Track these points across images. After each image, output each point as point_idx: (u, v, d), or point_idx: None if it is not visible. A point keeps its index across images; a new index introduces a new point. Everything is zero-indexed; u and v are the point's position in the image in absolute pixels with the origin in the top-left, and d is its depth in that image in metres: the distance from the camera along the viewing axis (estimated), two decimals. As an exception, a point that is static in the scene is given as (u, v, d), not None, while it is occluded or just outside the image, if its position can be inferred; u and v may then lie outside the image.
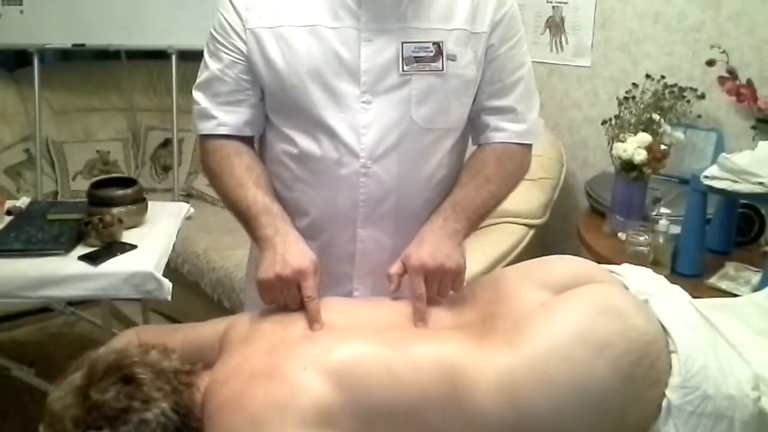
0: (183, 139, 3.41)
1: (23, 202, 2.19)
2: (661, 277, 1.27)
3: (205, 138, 1.31)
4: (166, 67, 3.23)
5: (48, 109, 3.40)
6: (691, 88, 2.35)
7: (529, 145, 1.34)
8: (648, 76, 2.41)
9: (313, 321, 1.11)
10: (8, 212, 2.11)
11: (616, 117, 2.36)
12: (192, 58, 3.31)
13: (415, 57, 1.22)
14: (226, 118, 1.28)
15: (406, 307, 1.17)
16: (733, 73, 2.29)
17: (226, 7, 1.26)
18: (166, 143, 3.49)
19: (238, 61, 1.26)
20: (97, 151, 3.45)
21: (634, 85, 2.41)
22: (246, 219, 1.25)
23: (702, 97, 2.35)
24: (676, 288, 1.23)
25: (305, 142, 1.26)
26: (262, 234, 1.21)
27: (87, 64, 3.63)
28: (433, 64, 1.22)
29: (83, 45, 3.14)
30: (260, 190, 1.24)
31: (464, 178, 1.30)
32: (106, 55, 3.46)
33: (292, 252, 1.17)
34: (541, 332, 1.03)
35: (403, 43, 1.21)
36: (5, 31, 3.10)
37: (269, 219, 1.22)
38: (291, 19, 1.22)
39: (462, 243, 1.26)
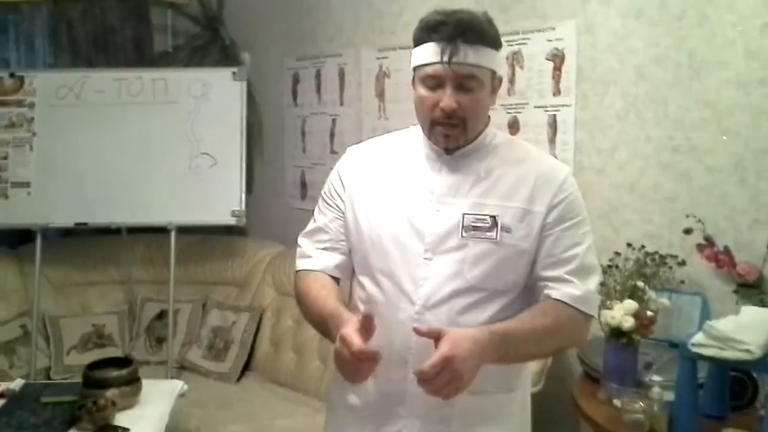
0: (178, 311, 3.47)
1: (17, 384, 2.19)
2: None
3: (299, 273, 1.58)
4: (163, 241, 3.35)
5: (47, 284, 3.48)
6: (671, 255, 2.43)
7: (588, 319, 1.46)
8: (629, 244, 2.50)
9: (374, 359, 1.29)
10: (1, 395, 2.10)
11: (602, 284, 2.41)
12: (188, 232, 3.47)
13: (473, 226, 1.44)
14: (321, 259, 1.57)
15: None
16: (710, 241, 2.39)
17: (334, 175, 1.61)
18: (161, 315, 3.54)
19: (338, 218, 1.57)
20: (93, 325, 3.49)
21: (617, 253, 2.49)
22: (322, 327, 1.46)
23: (683, 263, 2.43)
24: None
25: (373, 288, 1.50)
26: (330, 334, 1.40)
27: (87, 240, 3.76)
28: (488, 233, 1.44)
29: (86, 224, 3.27)
30: (330, 299, 1.47)
31: (524, 316, 1.42)
32: (106, 230, 3.59)
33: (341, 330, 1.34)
34: None
35: (464, 214, 1.45)
36: (12, 212, 3.26)
37: (338, 321, 1.39)
38: (380, 189, 1.53)
39: (483, 365, 1.32)
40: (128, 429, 1.88)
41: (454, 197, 1.46)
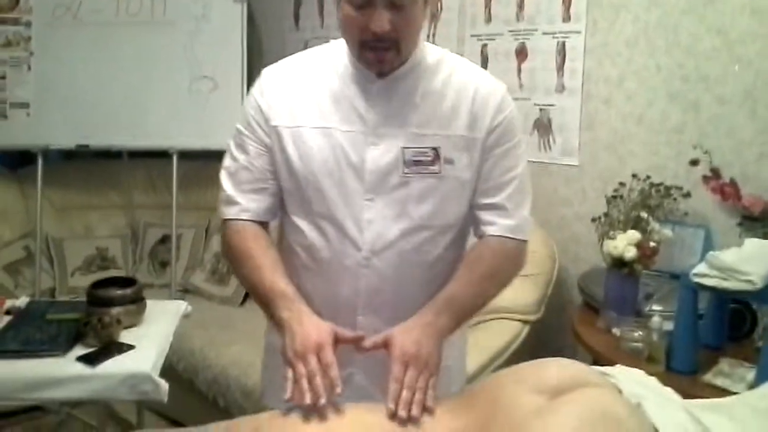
0: (181, 236, 3.47)
1: (22, 301, 2.21)
2: (654, 378, 1.28)
3: (227, 222, 1.41)
4: (165, 166, 3.33)
5: (49, 207, 3.47)
6: (676, 187, 2.42)
7: (524, 242, 1.42)
8: (634, 175, 2.48)
9: (333, 386, 1.17)
10: (7, 312, 2.12)
11: (605, 215, 2.42)
12: (191, 157, 3.44)
13: (414, 161, 1.33)
14: (249, 204, 1.39)
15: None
16: (716, 173, 2.37)
17: (253, 105, 1.40)
18: (164, 239, 3.55)
19: (262, 153, 1.39)
20: (96, 248, 3.50)
21: (622, 184, 2.48)
22: (264, 302, 1.33)
23: (688, 195, 2.42)
24: (669, 390, 1.24)
25: (313, 234, 1.37)
26: (280, 315, 1.29)
27: (89, 163, 3.74)
28: (431, 167, 1.34)
29: (87, 146, 3.24)
30: (276, 274, 1.34)
31: (461, 273, 1.37)
32: (107, 154, 3.57)
33: (308, 328, 1.24)
34: (537, 439, 1.04)
35: (403, 148, 1.33)
36: (12, 132, 3.22)
37: (285, 302, 1.29)
38: (307, 121, 1.36)
39: (444, 339, 1.31)
40: (133, 346, 1.90)
41: (391, 127, 1.34)
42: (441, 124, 1.35)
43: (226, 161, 1.43)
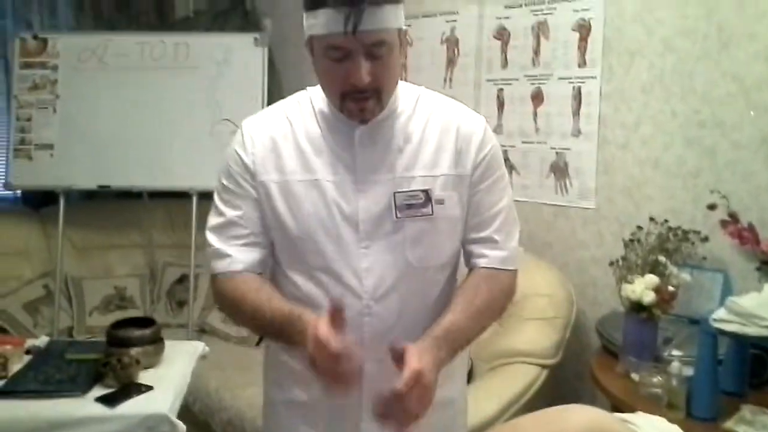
0: (199, 275, 3.50)
1: (42, 341, 2.23)
2: (675, 426, 1.28)
3: (218, 276, 1.37)
4: (184, 206, 3.38)
5: (70, 246, 3.52)
6: (694, 231, 2.41)
7: (515, 272, 1.43)
8: (652, 219, 2.49)
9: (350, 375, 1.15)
10: (27, 351, 2.15)
11: (623, 258, 2.41)
12: (209, 198, 3.46)
13: (406, 205, 1.33)
14: (240, 256, 1.35)
15: None
16: (734, 217, 2.37)
17: (236, 161, 1.36)
18: (182, 279, 3.58)
19: (251, 208, 1.35)
20: (115, 287, 3.53)
21: (639, 227, 2.48)
22: (276, 335, 1.30)
23: (706, 239, 2.41)
24: (690, 438, 1.23)
25: (309, 286, 1.35)
26: (294, 340, 1.24)
27: (109, 203, 3.81)
28: (423, 209, 1.34)
29: (109, 187, 3.30)
30: (274, 302, 1.30)
31: (459, 305, 1.34)
32: (128, 194, 3.62)
33: (310, 334, 1.18)
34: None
35: (395, 193, 1.33)
36: (36, 173, 3.29)
37: (292, 327, 1.24)
38: (294, 173, 1.34)
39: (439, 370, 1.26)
40: (151, 387, 1.92)
41: (379, 173, 1.33)
42: (427, 165, 1.36)
43: (212, 220, 1.39)
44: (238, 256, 1.35)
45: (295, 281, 1.36)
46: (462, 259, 1.46)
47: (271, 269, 1.42)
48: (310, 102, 1.39)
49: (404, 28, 1.30)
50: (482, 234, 1.40)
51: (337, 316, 1.17)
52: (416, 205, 1.33)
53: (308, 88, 1.42)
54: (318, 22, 1.22)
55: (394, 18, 1.24)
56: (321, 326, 1.15)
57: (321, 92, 1.35)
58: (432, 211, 1.34)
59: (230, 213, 1.36)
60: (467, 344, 1.38)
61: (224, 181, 1.38)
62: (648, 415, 1.29)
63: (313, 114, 1.37)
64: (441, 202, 1.35)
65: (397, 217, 1.33)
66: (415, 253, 1.35)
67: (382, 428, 1.26)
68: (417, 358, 1.18)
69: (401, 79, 1.39)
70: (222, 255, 1.36)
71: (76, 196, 3.78)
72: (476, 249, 1.41)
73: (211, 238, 1.38)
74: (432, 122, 1.38)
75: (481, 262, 1.40)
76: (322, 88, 1.33)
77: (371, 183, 1.33)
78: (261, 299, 1.31)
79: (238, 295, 1.33)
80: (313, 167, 1.34)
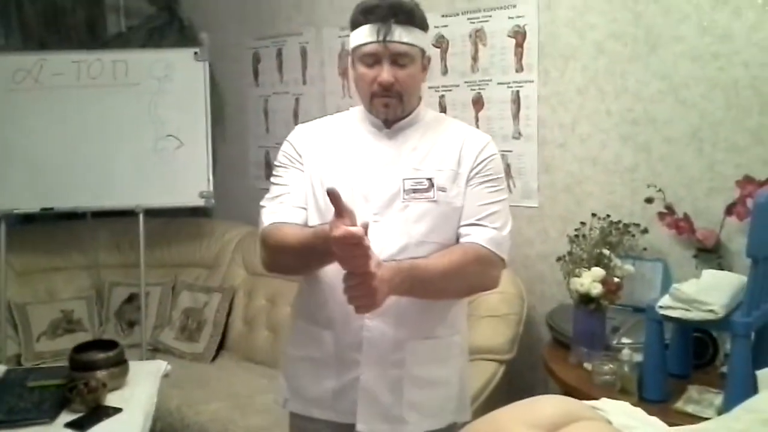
0: (148, 294, 3.46)
1: (0, 370, 2.18)
2: (639, 409, 1.36)
3: (267, 228, 1.65)
4: (130, 225, 3.34)
5: (11, 271, 3.42)
6: (634, 224, 2.54)
7: (498, 257, 1.64)
8: (594, 214, 2.60)
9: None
10: (-16, 382, 2.09)
11: (569, 253, 2.52)
12: (155, 215, 3.45)
13: (413, 189, 1.62)
14: (288, 214, 1.65)
15: None
16: (670, 209, 2.51)
17: (289, 147, 1.73)
18: (131, 299, 3.53)
19: (302, 180, 1.68)
20: (61, 311, 3.46)
21: (582, 223, 2.60)
22: (312, 250, 1.53)
23: (645, 231, 2.54)
24: (654, 419, 1.32)
25: None
26: (322, 249, 1.46)
27: (50, 225, 3.71)
28: (426, 194, 1.62)
29: (52, 209, 3.23)
30: (306, 230, 1.59)
31: (433, 256, 1.59)
32: (69, 216, 3.55)
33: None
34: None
35: (404, 179, 1.63)
36: (-27, 199, 3.18)
37: (317, 239, 1.49)
38: (328, 161, 1.67)
39: (389, 294, 1.49)
40: (120, 409, 1.91)
41: (394, 165, 1.64)
42: (435, 161, 1.65)
43: (267, 196, 1.71)
44: (285, 212, 1.65)
45: None
46: None
47: None
48: (348, 116, 1.75)
49: (428, 53, 1.67)
50: (472, 219, 1.63)
51: (344, 213, 1.37)
52: (421, 189, 1.62)
53: (350, 108, 1.78)
54: (358, 36, 1.61)
55: (418, 39, 1.61)
56: (334, 227, 1.37)
57: (359, 108, 1.72)
58: (434, 196, 1.62)
59: (281, 187, 1.69)
60: (428, 291, 1.58)
61: (277, 164, 1.73)
62: (612, 400, 1.37)
63: (351, 121, 1.73)
64: (443, 189, 1.63)
65: (404, 198, 1.61)
66: (417, 229, 1.61)
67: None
68: (376, 265, 1.42)
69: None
70: (272, 212, 1.66)
71: (13, 220, 3.67)
72: (464, 230, 1.64)
73: (264, 203, 1.70)
74: (444, 134, 1.70)
75: (466, 239, 1.63)
76: (358, 91, 1.68)
77: (386, 171, 1.63)
78: (294, 232, 1.59)
79: (279, 237, 1.61)
80: (344, 158, 1.66)
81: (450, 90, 3.12)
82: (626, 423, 1.25)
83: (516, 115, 2.93)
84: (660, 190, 2.52)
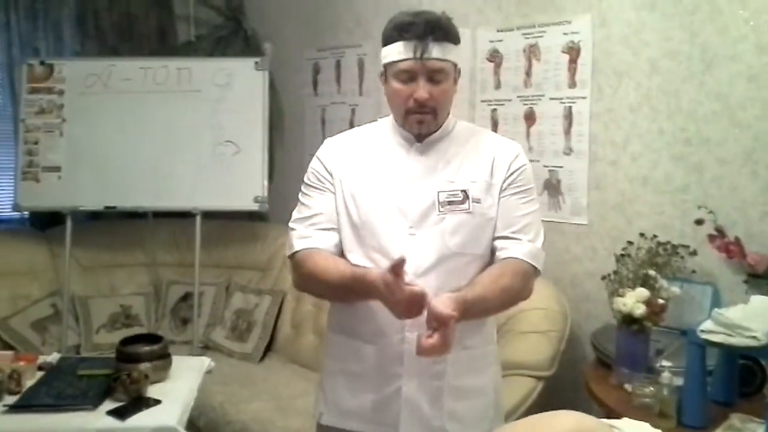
0: (203, 293, 3.57)
1: (54, 357, 2.30)
2: (659, 431, 1.34)
3: (298, 254, 1.66)
4: (188, 226, 3.46)
5: (76, 266, 3.59)
6: (683, 245, 2.49)
7: (536, 269, 1.66)
8: (642, 234, 2.57)
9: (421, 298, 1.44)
10: (40, 368, 2.22)
11: (615, 273, 2.49)
12: (213, 217, 3.57)
13: (448, 201, 1.63)
14: (319, 239, 1.66)
15: None
16: (721, 231, 2.45)
17: (318, 164, 1.72)
18: (186, 297, 3.65)
19: (330, 201, 1.68)
20: (121, 305, 3.60)
21: (630, 242, 2.56)
22: (345, 292, 1.58)
23: (694, 253, 2.49)
24: (672, 442, 1.30)
25: (365, 262, 1.62)
26: (364, 291, 1.52)
27: (114, 223, 3.87)
28: (461, 206, 1.63)
29: (114, 207, 3.38)
30: (342, 267, 1.59)
31: (484, 280, 1.59)
32: (132, 215, 3.70)
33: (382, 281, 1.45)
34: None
35: (438, 192, 1.64)
36: (43, 195, 3.37)
37: (358, 284, 1.53)
38: (363, 178, 1.67)
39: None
40: (160, 400, 1.99)
41: (429, 179, 1.65)
42: (468, 173, 1.66)
43: (295, 214, 1.72)
44: (317, 238, 1.66)
45: (353, 260, 1.64)
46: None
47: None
48: (379, 128, 1.75)
49: (458, 66, 1.66)
50: (507, 231, 1.65)
51: (398, 269, 1.41)
52: (456, 201, 1.63)
53: (378, 119, 1.77)
54: (393, 52, 1.60)
55: (452, 54, 1.61)
56: (386, 275, 1.42)
57: (388, 119, 1.72)
58: (470, 207, 1.63)
59: (312, 205, 1.69)
60: (479, 312, 1.59)
61: (307, 182, 1.72)
62: (634, 420, 1.36)
63: (381, 135, 1.72)
64: (478, 201, 1.64)
65: (439, 210, 1.62)
66: (453, 241, 1.62)
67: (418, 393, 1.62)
68: (447, 304, 1.44)
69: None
70: (304, 236, 1.67)
71: (81, 217, 3.85)
72: (502, 244, 1.65)
73: (294, 225, 1.70)
74: (475, 145, 1.71)
75: (504, 254, 1.64)
76: (390, 106, 1.68)
77: (421, 185, 1.64)
78: (329, 264, 1.61)
79: (311, 266, 1.63)
80: (377, 172, 1.67)
81: (502, 104, 3.13)
82: (642, 443, 1.25)
83: (567, 131, 2.91)
84: (711, 211, 2.47)
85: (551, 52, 2.94)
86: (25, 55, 3.71)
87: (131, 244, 3.82)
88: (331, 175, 1.69)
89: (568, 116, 2.90)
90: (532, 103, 3.02)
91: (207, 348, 3.46)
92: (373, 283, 1.48)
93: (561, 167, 2.94)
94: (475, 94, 3.22)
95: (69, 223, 3.37)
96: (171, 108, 3.45)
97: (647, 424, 1.37)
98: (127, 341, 2.23)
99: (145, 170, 3.38)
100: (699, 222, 2.49)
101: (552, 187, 2.98)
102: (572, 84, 2.88)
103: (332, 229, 1.67)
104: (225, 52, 3.99)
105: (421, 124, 1.63)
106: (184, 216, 3.49)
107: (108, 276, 3.73)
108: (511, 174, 1.68)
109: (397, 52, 1.59)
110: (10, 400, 1.98)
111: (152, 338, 2.27)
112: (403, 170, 1.66)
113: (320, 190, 1.70)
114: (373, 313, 1.60)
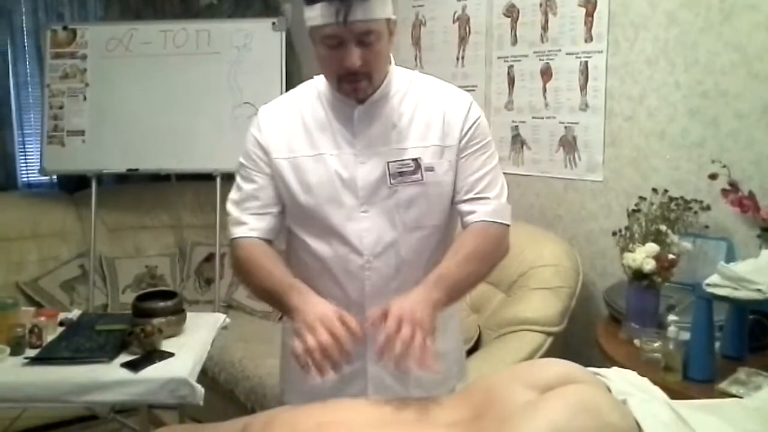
0: (225, 254, 3.63)
1: (74, 314, 2.39)
2: (645, 379, 1.36)
3: (236, 240, 1.56)
4: (210, 187, 3.51)
5: (103, 228, 3.69)
6: (695, 200, 2.46)
7: (505, 226, 1.56)
8: (654, 190, 2.54)
9: (346, 355, 1.32)
10: (61, 323, 2.31)
11: (626, 228, 2.47)
12: (233, 178, 3.59)
13: (399, 172, 1.51)
14: (255, 224, 1.55)
15: (402, 406, 1.29)
16: (734, 186, 2.41)
17: (253, 142, 1.57)
18: (209, 258, 3.72)
19: (266, 182, 1.55)
20: (146, 266, 3.70)
21: (642, 198, 2.53)
22: (277, 299, 1.47)
23: (707, 208, 2.45)
24: (656, 389, 1.31)
25: (318, 245, 1.54)
26: (290, 304, 1.42)
27: (140, 185, 3.96)
28: (413, 176, 1.51)
29: (137, 170, 3.45)
30: (285, 274, 1.48)
31: (448, 255, 1.50)
32: (157, 177, 3.78)
33: (316, 305, 1.38)
34: (521, 430, 1.14)
35: (388, 162, 1.51)
36: (69, 158, 3.45)
37: (294, 291, 1.43)
38: (302, 151, 1.54)
39: (438, 311, 1.41)
40: (173, 353, 2.06)
41: (376, 147, 1.51)
42: (418, 137, 1.52)
43: (232, 194, 1.60)
44: (253, 224, 1.54)
45: (307, 242, 1.55)
46: (459, 222, 1.59)
47: (286, 233, 1.62)
48: (315, 88, 1.58)
49: (392, 18, 1.46)
50: (471, 194, 1.54)
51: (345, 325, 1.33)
52: (407, 172, 1.51)
53: (315, 77, 1.59)
54: (315, 15, 1.40)
55: (381, 10, 1.41)
56: (334, 316, 1.34)
57: (324, 79, 1.54)
58: (422, 177, 1.51)
59: (247, 187, 1.56)
60: (463, 290, 1.52)
61: (243, 160, 1.58)
62: (621, 369, 1.37)
63: (318, 98, 1.56)
64: (431, 169, 1.52)
65: (390, 183, 1.50)
66: (408, 215, 1.52)
67: (384, 369, 1.48)
68: (396, 306, 1.35)
69: (398, 63, 1.57)
70: (240, 222, 1.56)
71: (107, 180, 3.95)
72: (466, 207, 1.55)
73: (230, 208, 1.59)
74: (423, 101, 1.55)
75: (472, 218, 1.54)
76: (323, 72, 1.52)
77: (368, 155, 1.51)
78: (267, 265, 1.50)
79: (247, 255, 1.53)
80: (318, 144, 1.53)
81: (519, 60, 3.09)
82: (624, 390, 1.27)
83: (584, 87, 2.87)
84: (725, 165, 2.42)
85: (567, 5, 2.89)
86: (50, 20, 3.78)
87: (156, 206, 3.91)
88: (266, 153, 1.54)
89: (585, 71, 2.86)
90: (548, 59, 2.98)
91: (230, 307, 3.54)
92: (295, 309, 1.39)
93: (577, 123, 2.91)
94: (492, 51, 3.19)
95: (94, 186, 3.46)
96: (191, 71, 3.49)
97: (634, 372, 1.38)
98: (143, 297, 2.30)
99: (165, 133, 3.44)
100: (713, 176, 2.45)
101: (567, 144, 2.95)
102: (589, 38, 2.83)
103: (267, 213, 1.55)
104: (245, 14, 4.01)
105: (357, 92, 1.46)
106: (207, 178, 3.54)
107: (134, 237, 3.83)
108: (467, 133, 1.54)
109: (318, 14, 1.38)
110: (32, 353, 2.07)
111: (169, 294, 2.34)
112: (346, 140, 1.52)
113: (254, 170, 1.55)
114: (329, 292, 1.51)
